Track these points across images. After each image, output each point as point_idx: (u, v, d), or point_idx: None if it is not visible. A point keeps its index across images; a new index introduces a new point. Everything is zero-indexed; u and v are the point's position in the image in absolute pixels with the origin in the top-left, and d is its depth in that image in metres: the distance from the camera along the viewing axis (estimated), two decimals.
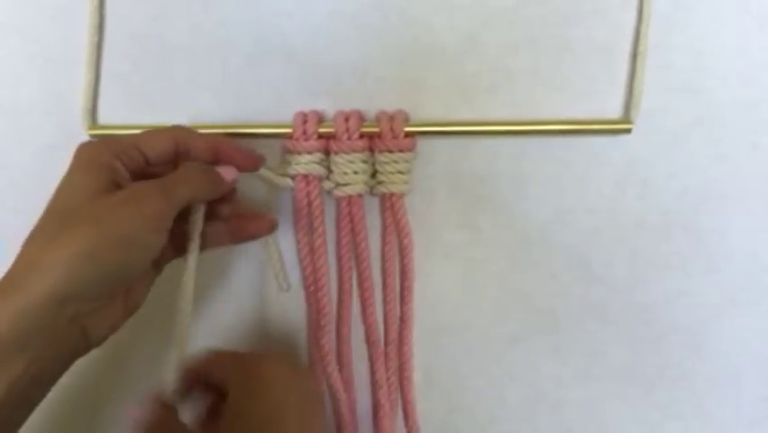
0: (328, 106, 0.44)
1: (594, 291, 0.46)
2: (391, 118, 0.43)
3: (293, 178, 0.44)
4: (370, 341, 0.45)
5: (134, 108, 0.45)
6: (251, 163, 0.40)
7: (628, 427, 0.48)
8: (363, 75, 0.45)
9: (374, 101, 0.44)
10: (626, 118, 0.44)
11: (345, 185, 0.43)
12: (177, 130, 0.38)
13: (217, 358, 0.38)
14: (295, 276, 0.46)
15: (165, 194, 0.35)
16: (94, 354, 0.35)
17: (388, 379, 0.45)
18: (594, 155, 0.45)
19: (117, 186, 0.35)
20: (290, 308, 0.47)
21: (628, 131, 0.44)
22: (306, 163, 0.43)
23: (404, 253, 0.44)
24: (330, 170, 0.44)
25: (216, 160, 0.39)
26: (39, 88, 0.45)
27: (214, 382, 0.37)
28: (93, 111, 0.45)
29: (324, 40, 0.44)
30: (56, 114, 0.45)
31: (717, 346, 0.47)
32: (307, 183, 0.43)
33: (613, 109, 0.45)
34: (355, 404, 0.46)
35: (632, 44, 0.44)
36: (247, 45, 0.45)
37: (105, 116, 0.45)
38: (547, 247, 0.46)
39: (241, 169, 0.40)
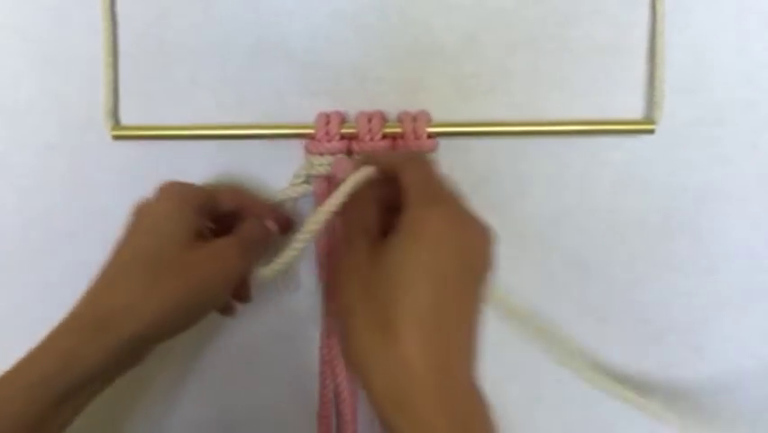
0: (328, 106, 0.44)
1: (593, 291, 0.46)
2: (414, 119, 0.43)
3: (314, 179, 0.43)
4: None
5: (134, 108, 0.45)
6: (287, 227, 0.44)
7: (628, 427, 0.48)
8: (363, 75, 0.45)
9: (374, 101, 0.44)
10: (650, 119, 0.44)
11: None
12: (241, 192, 0.43)
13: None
14: (305, 275, 0.46)
15: (244, 254, 0.39)
16: None
17: None
18: (594, 155, 0.45)
19: (200, 236, 0.38)
20: (303, 307, 0.47)
21: (651, 131, 0.44)
22: (328, 165, 0.43)
23: None
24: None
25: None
26: (39, 88, 0.45)
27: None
28: (115, 111, 0.45)
29: (324, 40, 0.44)
30: (56, 114, 0.45)
31: (717, 346, 0.47)
32: (329, 184, 0.43)
33: (613, 109, 0.45)
34: (357, 404, 0.46)
35: (633, 43, 0.44)
36: (247, 45, 0.45)
37: (103, 117, 0.45)
38: (547, 247, 0.46)
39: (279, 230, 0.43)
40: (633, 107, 0.45)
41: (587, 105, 0.45)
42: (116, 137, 0.44)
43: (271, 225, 0.42)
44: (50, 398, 0.33)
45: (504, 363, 0.47)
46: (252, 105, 0.45)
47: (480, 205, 0.45)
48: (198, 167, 0.45)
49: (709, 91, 0.44)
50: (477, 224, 0.34)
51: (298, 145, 0.44)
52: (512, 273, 0.46)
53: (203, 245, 0.37)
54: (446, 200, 0.35)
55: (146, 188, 0.45)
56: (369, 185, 0.37)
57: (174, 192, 0.39)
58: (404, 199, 0.34)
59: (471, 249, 0.34)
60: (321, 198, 0.43)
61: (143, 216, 0.38)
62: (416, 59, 0.44)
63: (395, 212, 0.34)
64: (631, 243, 0.46)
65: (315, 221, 0.38)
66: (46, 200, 0.46)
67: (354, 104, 0.44)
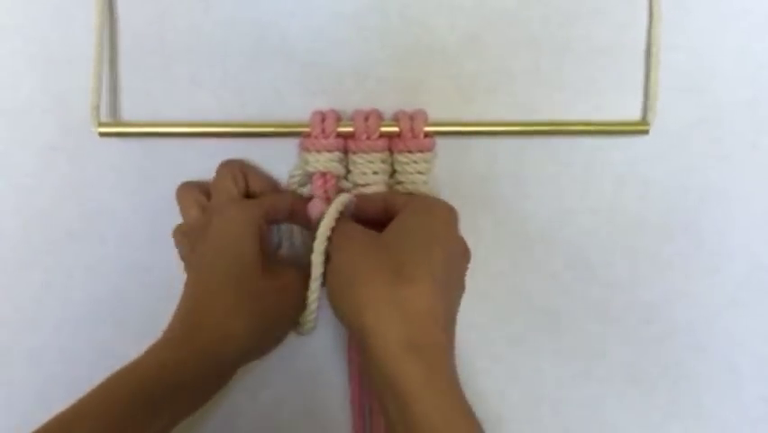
0: (328, 106, 0.44)
1: (595, 291, 0.46)
2: (411, 118, 0.43)
3: (312, 176, 0.43)
4: None
5: (134, 108, 0.45)
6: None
7: (629, 427, 0.48)
8: (364, 75, 0.45)
9: (374, 101, 0.44)
10: (644, 120, 0.44)
11: (365, 185, 0.43)
12: (291, 195, 0.44)
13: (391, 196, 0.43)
14: None
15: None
16: None
17: None
18: (594, 155, 0.45)
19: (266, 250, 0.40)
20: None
21: (646, 132, 0.44)
22: (324, 161, 0.43)
23: None
24: (348, 170, 0.43)
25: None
26: (39, 88, 0.45)
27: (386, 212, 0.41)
28: (97, 109, 0.44)
29: (324, 40, 0.44)
30: (56, 114, 0.45)
31: (718, 346, 0.47)
32: (325, 181, 0.43)
33: (614, 109, 0.45)
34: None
35: (633, 44, 0.44)
36: (247, 45, 0.45)
37: (105, 116, 0.45)
38: (548, 247, 0.46)
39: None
40: (632, 108, 0.45)
41: (587, 106, 0.45)
42: (102, 134, 0.44)
43: None
44: (148, 403, 0.34)
45: (504, 363, 0.47)
46: (253, 105, 0.45)
47: (480, 205, 0.46)
48: (199, 166, 0.45)
49: (710, 91, 0.44)
50: (465, 242, 0.40)
51: (294, 144, 0.44)
52: (512, 273, 0.46)
53: (275, 276, 0.39)
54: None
55: (146, 188, 0.46)
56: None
57: (245, 212, 0.40)
58: (408, 199, 0.40)
59: (465, 253, 0.39)
60: (319, 192, 0.43)
61: (222, 233, 0.39)
62: (417, 60, 0.44)
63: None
64: (632, 243, 0.46)
65: (317, 263, 0.40)
66: (46, 200, 0.46)
67: (355, 104, 0.44)
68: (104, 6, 0.44)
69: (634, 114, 0.45)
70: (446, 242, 0.37)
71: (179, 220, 0.43)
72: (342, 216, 0.40)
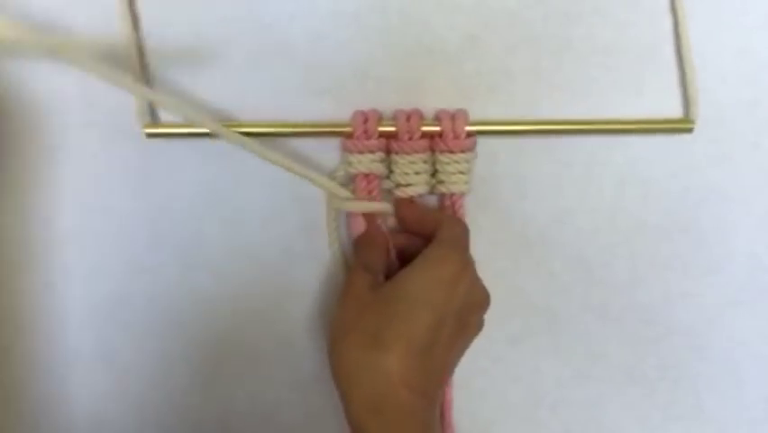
0: (329, 107, 0.44)
1: (594, 292, 0.46)
2: (453, 118, 0.42)
3: (355, 177, 0.43)
4: None
5: (134, 108, 0.45)
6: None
7: (629, 427, 0.48)
8: (364, 75, 0.45)
9: (375, 101, 0.44)
10: (688, 117, 0.44)
11: (407, 185, 0.43)
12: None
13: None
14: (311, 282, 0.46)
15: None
16: None
17: None
18: (594, 155, 0.45)
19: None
20: (305, 312, 0.47)
21: (690, 130, 0.43)
22: (368, 162, 0.42)
23: None
24: (390, 170, 0.43)
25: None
26: (39, 89, 0.45)
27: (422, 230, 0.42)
28: (151, 111, 0.45)
29: (325, 40, 0.44)
30: (56, 114, 0.45)
31: (718, 347, 0.47)
32: (368, 182, 0.43)
33: (614, 108, 0.45)
34: None
35: (635, 43, 0.44)
36: (247, 45, 0.45)
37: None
38: (547, 247, 0.46)
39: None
40: (634, 106, 0.45)
41: (588, 106, 0.45)
42: (150, 135, 0.43)
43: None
44: None
45: (504, 363, 0.47)
46: (253, 105, 0.45)
47: (480, 205, 0.46)
48: (199, 167, 0.45)
49: (710, 91, 0.44)
50: (484, 288, 0.40)
51: (326, 145, 0.44)
52: (512, 273, 0.46)
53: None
54: (467, 255, 0.40)
55: (146, 188, 0.46)
56: (389, 231, 0.43)
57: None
58: (433, 239, 0.40)
59: (474, 306, 0.39)
60: (361, 194, 0.43)
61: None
62: (418, 59, 0.44)
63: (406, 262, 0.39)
64: (632, 243, 0.46)
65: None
66: (46, 200, 0.46)
67: (355, 104, 0.44)
68: (127, 9, 0.43)
69: (635, 112, 0.45)
70: (442, 305, 0.37)
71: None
72: (374, 239, 0.42)
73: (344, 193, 0.43)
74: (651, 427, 0.48)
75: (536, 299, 0.47)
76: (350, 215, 0.44)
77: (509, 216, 0.46)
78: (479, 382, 0.47)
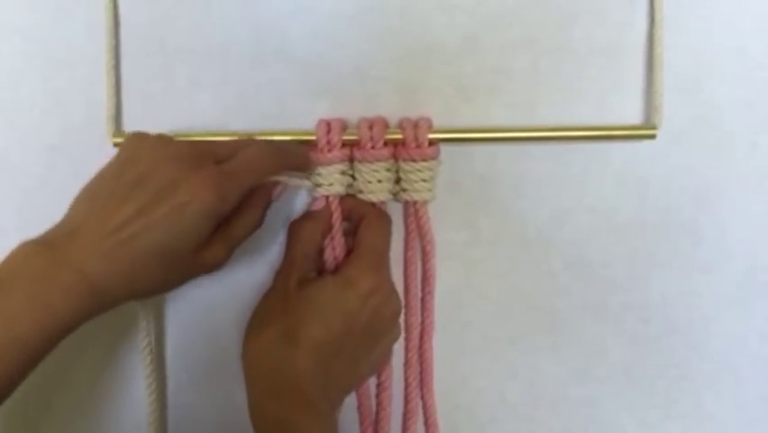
0: (328, 107, 0.44)
1: (594, 291, 0.47)
2: (415, 126, 0.42)
3: (315, 198, 0.44)
4: None
5: (134, 108, 0.45)
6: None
7: (627, 426, 0.48)
8: (364, 75, 0.45)
9: (375, 101, 0.44)
10: (649, 123, 0.44)
11: (369, 193, 0.43)
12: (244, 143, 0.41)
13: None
14: None
15: (227, 256, 0.40)
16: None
17: (408, 386, 0.45)
18: (594, 155, 0.45)
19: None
20: None
21: (652, 137, 0.43)
22: (328, 175, 0.43)
23: (426, 258, 0.44)
24: (354, 178, 0.43)
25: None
26: (39, 89, 0.45)
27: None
28: (117, 117, 0.45)
29: (324, 40, 0.44)
30: (56, 114, 0.45)
31: (717, 346, 0.47)
32: (327, 203, 0.43)
33: (613, 110, 0.45)
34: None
35: (633, 45, 0.44)
36: (247, 46, 0.45)
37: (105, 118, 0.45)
38: (547, 247, 0.46)
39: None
40: (632, 108, 0.45)
41: (586, 107, 0.45)
42: (117, 144, 0.43)
43: (277, 192, 0.43)
44: (27, 356, 0.34)
45: (503, 362, 0.47)
46: (253, 106, 0.45)
47: (480, 205, 0.46)
48: None
49: (709, 92, 0.44)
50: (395, 301, 0.42)
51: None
52: (512, 273, 0.46)
53: (203, 252, 0.38)
54: (383, 270, 0.42)
55: None
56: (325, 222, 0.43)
57: (215, 194, 0.37)
58: (355, 248, 0.42)
59: (384, 318, 0.41)
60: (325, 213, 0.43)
61: (175, 199, 0.36)
62: (417, 60, 0.44)
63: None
64: (631, 243, 0.46)
65: None
66: (46, 200, 0.46)
67: (355, 104, 0.44)
68: (110, 10, 0.44)
69: (634, 114, 0.45)
70: (352, 316, 0.39)
71: None
72: (310, 232, 0.42)
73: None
74: (650, 425, 0.48)
75: (536, 298, 0.47)
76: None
77: (509, 216, 0.46)
78: (478, 382, 0.47)
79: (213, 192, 0.36)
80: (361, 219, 0.43)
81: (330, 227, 0.43)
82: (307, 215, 0.44)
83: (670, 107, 0.44)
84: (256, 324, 0.41)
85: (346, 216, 0.44)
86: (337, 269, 0.43)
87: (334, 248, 0.43)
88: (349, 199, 0.44)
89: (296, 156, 0.42)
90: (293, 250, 0.42)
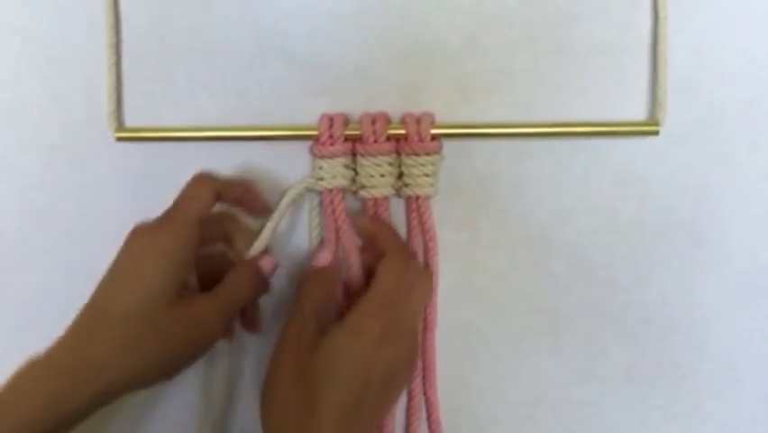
0: (329, 106, 0.44)
1: (594, 291, 0.46)
2: (418, 121, 0.43)
3: (322, 192, 0.44)
4: None
5: (135, 109, 0.45)
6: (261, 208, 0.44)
7: (628, 426, 0.48)
8: (364, 75, 0.45)
9: (375, 101, 0.44)
10: (653, 120, 0.44)
11: (371, 187, 0.43)
12: (213, 184, 0.42)
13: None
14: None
15: (225, 319, 0.40)
16: None
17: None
18: (594, 155, 0.45)
19: (184, 287, 0.40)
20: None
21: (655, 133, 0.43)
22: (330, 168, 0.42)
23: (428, 254, 0.44)
24: (356, 172, 0.44)
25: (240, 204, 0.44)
26: (40, 89, 0.45)
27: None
28: (118, 113, 0.45)
29: (324, 40, 0.44)
30: (57, 114, 0.45)
31: (718, 346, 0.47)
32: (333, 196, 0.43)
33: (614, 109, 0.45)
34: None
35: (634, 44, 0.44)
36: (247, 45, 0.45)
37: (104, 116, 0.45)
38: (547, 247, 0.46)
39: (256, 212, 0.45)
40: (634, 108, 0.45)
41: (587, 106, 0.45)
42: (120, 139, 0.44)
43: (266, 264, 0.43)
44: None
45: (504, 363, 0.47)
46: (253, 105, 0.45)
47: (480, 205, 0.46)
48: (198, 167, 0.45)
49: (710, 91, 0.44)
50: (409, 344, 0.40)
51: (300, 147, 0.44)
52: (512, 273, 0.46)
53: (186, 305, 0.38)
54: (392, 312, 0.39)
55: (146, 189, 0.46)
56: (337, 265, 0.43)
57: (167, 239, 0.39)
58: (371, 286, 0.40)
59: (399, 363, 0.39)
60: (328, 209, 0.43)
61: (133, 257, 0.39)
62: (417, 59, 0.44)
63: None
64: (631, 243, 0.46)
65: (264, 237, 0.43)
66: (46, 200, 0.46)
67: (355, 104, 0.44)
68: (110, 7, 0.44)
69: (635, 114, 0.45)
70: (366, 369, 0.38)
71: None
72: (321, 279, 0.42)
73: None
74: (650, 426, 0.48)
75: (536, 298, 0.47)
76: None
77: (509, 216, 0.46)
78: (479, 382, 0.47)
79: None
80: (380, 255, 0.41)
81: (339, 279, 0.43)
82: (317, 273, 0.42)
83: (671, 107, 0.44)
84: (272, 394, 0.39)
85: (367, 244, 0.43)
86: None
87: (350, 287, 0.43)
88: (373, 224, 0.43)
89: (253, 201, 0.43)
90: (303, 308, 0.40)
